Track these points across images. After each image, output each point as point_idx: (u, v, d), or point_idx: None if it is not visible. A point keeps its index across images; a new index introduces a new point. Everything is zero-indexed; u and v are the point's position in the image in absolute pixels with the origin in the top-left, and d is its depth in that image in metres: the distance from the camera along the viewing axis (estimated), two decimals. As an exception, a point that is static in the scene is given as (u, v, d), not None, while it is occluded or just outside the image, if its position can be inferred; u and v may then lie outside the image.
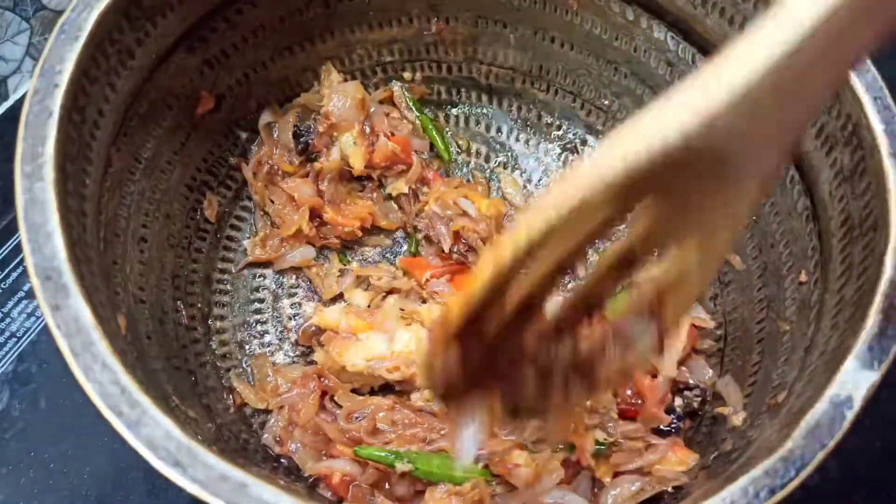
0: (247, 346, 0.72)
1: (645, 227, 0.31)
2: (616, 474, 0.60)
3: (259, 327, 0.74)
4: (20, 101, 0.90)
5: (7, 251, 0.79)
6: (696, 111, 0.26)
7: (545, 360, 0.35)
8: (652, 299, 0.33)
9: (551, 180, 0.61)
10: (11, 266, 0.78)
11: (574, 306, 0.33)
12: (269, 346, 0.73)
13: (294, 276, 0.77)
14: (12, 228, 0.79)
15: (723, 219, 0.31)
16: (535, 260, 0.30)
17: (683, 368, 0.66)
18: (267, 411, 0.67)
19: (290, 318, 0.75)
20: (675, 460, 0.60)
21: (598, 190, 0.28)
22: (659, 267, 0.32)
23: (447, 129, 0.84)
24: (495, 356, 0.34)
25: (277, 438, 0.63)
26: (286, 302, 0.76)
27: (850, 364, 0.44)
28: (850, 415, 0.43)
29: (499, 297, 0.32)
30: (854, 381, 0.44)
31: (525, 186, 0.82)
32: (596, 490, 0.60)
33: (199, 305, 0.70)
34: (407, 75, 0.81)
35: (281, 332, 0.74)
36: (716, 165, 0.28)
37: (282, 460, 0.65)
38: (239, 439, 0.63)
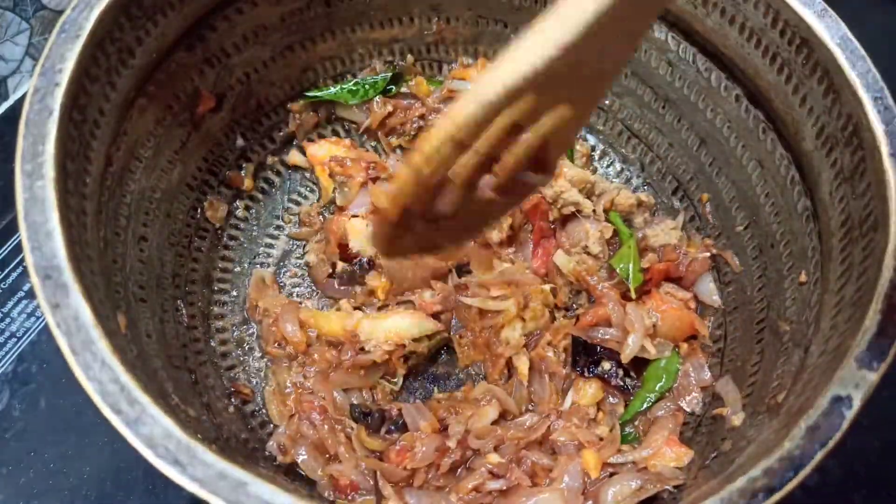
0: (247, 346, 0.72)
1: (529, 106, 0.41)
2: (606, 469, 0.60)
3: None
4: (20, 101, 0.90)
5: (7, 251, 0.79)
6: (553, 44, 0.37)
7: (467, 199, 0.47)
8: (538, 149, 0.44)
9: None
10: (11, 266, 0.78)
11: (481, 164, 0.44)
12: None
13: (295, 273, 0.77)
14: (12, 228, 0.79)
15: (584, 95, 0.43)
16: (457, 152, 0.41)
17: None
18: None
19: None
20: (671, 456, 0.60)
21: (489, 104, 0.39)
22: (540, 124, 0.43)
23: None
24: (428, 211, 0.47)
25: (282, 447, 0.64)
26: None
27: (849, 364, 0.44)
28: (849, 415, 0.43)
29: (427, 183, 0.43)
30: (854, 381, 0.44)
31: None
32: (587, 486, 0.60)
33: (199, 305, 0.70)
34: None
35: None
36: (571, 71, 0.39)
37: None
38: (238, 438, 0.63)
